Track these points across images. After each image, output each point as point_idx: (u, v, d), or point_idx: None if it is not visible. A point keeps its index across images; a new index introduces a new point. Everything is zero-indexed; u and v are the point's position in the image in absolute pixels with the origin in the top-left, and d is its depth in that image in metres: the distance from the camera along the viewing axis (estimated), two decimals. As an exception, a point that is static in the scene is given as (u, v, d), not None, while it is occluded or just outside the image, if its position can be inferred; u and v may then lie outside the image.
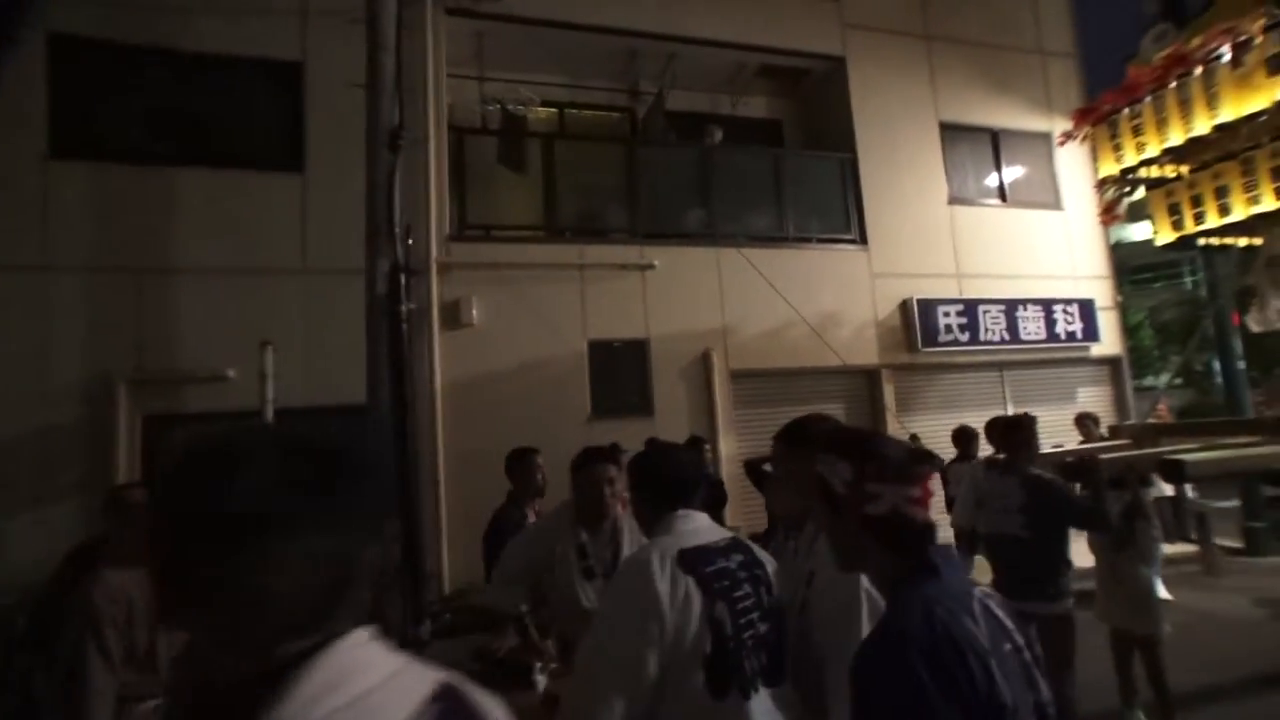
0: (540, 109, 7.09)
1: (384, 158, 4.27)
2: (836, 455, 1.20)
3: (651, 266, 6.74)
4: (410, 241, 4.63)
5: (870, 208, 7.71)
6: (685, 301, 6.84)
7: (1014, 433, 3.45)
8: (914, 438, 5.34)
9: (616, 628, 1.44)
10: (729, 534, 1.70)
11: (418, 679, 0.66)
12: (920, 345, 7.48)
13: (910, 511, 1.13)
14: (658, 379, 6.68)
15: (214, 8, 5.75)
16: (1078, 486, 3.51)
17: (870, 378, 7.50)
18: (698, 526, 1.65)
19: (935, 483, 1.28)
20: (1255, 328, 7.45)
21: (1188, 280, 22.58)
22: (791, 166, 7.67)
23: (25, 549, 4.74)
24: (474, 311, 6.11)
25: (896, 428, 7.17)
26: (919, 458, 1.19)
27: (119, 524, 2.44)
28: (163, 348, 5.36)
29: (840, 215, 7.70)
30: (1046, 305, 8.05)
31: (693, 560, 1.52)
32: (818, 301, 7.27)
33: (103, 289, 5.35)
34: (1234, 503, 8.31)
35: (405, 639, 3.83)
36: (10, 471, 4.99)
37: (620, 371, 6.56)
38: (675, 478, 1.71)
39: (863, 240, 7.65)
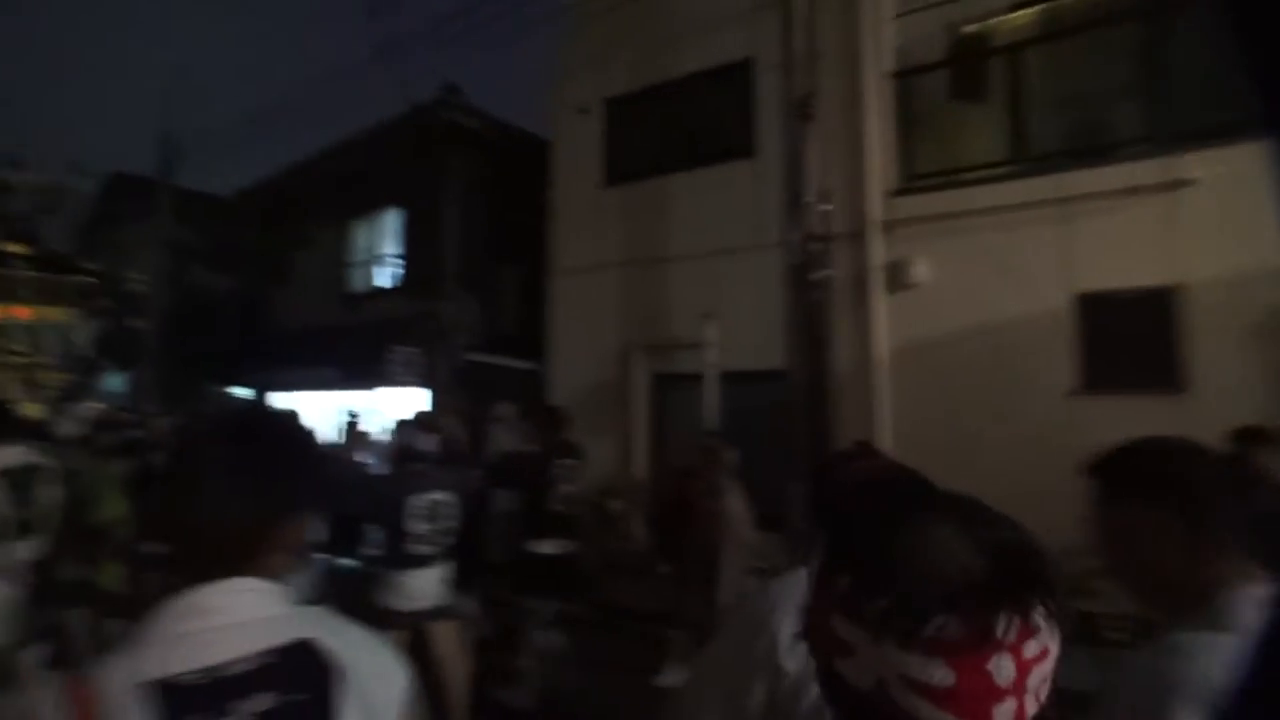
0: (1010, 15, 5.77)
1: (794, 129, 4.35)
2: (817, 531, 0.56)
3: (1186, 183, 4.79)
4: (828, 208, 4.60)
5: None
6: (1251, 228, 4.60)
7: None
8: None
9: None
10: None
11: (268, 632, 0.76)
12: None
13: (916, 710, 0.46)
14: (1196, 341, 4.76)
15: (688, 34, 6.85)
16: None
17: None
18: None
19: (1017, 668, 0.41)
20: None
21: None
22: None
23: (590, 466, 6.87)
24: (917, 271, 5.59)
25: None
26: (985, 595, 0.46)
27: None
28: (662, 321, 6.83)
29: None
30: None
31: None
32: None
33: (627, 278, 7.19)
34: None
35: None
36: (586, 409, 7.26)
37: (1124, 332, 4.95)
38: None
39: None
